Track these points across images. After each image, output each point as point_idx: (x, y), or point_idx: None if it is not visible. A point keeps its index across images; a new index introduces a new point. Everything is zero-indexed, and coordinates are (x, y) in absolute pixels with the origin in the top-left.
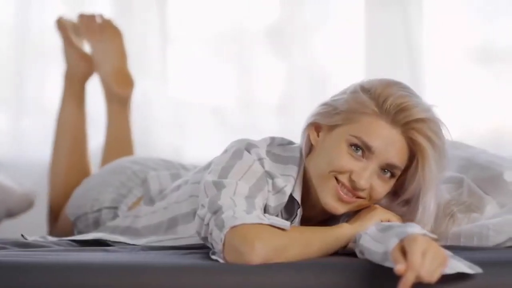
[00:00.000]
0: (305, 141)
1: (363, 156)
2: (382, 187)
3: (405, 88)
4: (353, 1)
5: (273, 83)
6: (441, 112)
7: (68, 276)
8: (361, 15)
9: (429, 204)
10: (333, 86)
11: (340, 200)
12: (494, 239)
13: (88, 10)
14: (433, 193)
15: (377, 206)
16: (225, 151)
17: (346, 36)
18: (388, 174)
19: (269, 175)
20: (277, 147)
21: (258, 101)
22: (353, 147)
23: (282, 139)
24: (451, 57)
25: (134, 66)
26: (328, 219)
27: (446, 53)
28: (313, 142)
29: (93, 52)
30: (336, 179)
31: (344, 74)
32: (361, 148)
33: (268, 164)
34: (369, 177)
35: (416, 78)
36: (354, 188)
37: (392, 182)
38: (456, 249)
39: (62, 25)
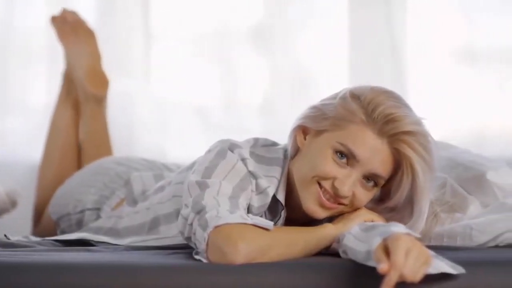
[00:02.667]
0: (292, 143)
1: (347, 163)
2: (364, 196)
3: (396, 98)
4: (336, 1)
5: (257, 83)
6: (424, 112)
7: (51, 275)
8: (345, 15)
9: (423, 214)
10: (316, 86)
11: (322, 205)
12: (477, 239)
13: (72, 7)
14: (426, 203)
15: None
16: (209, 151)
17: (329, 36)
18: (372, 183)
19: (253, 175)
20: (261, 148)
21: (242, 101)
22: (338, 154)
23: (266, 140)
24: (435, 57)
25: (117, 66)
26: (311, 220)
27: (429, 53)
28: (299, 145)
29: (67, 54)
30: (319, 184)
31: (328, 74)
32: (346, 156)
33: (252, 165)
34: (352, 185)
35: (400, 78)
36: (336, 195)
37: (375, 191)
38: (439, 249)
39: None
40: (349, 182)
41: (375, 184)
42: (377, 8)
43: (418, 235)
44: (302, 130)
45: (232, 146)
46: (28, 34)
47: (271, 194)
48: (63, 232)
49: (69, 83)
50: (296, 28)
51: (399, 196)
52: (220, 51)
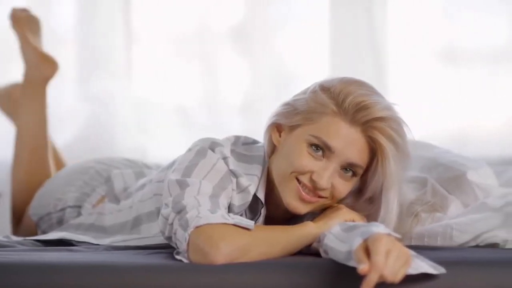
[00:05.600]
0: (267, 141)
1: (323, 156)
2: (343, 186)
3: (366, 87)
4: (317, 1)
5: (237, 83)
6: (405, 112)
7: (32, 275)
8: (326, 15)
9: (391, 203)
10: (297, 86)
11: (302, 200)
12: (458, 239)
13: (52, 10)
14: (395, 192)
15: (341, 206)
16: (189, 149)
17: (310, 36)
18: (350, 173)
19: (233, 173)
20: (242, 146)
21: (222, 100)
22: (313, 147)
23: (246, 138)
24: (416, 57)
25: (98, 66)
26: (292, 218)
27: (410, 53)
28: (275, 143)
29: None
30: (297, 179)
31: (309, 74)
32: (321, 148)
33: (232, 163)
34: (330, 177)
35: (381, 78)
36: (315, 188)
37: (355, 180)
38: (420, 249)
39: (17, 20)
40: (326, 174)
41: (354, 174)
42: (358, 7)
43: (399, 235)
44: (276, 127)
45: (213, 145)
46: (6, 33)
47: (252, 192)
48: (43, 233)
49: (31, 85)
50: (277, 28)
51: (375, 184)
52: (201, 51)
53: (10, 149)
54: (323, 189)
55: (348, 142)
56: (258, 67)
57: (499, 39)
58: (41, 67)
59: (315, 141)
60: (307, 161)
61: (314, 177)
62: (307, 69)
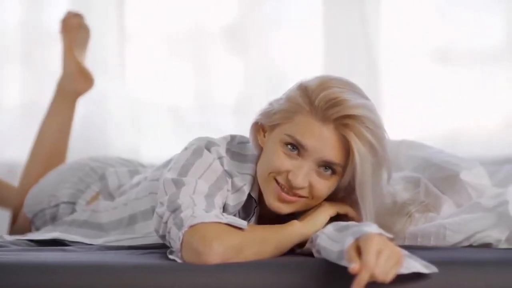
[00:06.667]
0: (254, 142)
1: (298, 154)
2: (322, 185)
3: (343, 84)
4: (310, 1)
5: (231, 82)
6: (399, 112)
7: (28, 275)
8: (319, 15)
9: (366, 202)
10: (290, 86)
11: (282, 200)
12: (451, 239)
13: (47, 9)
14: (368, 192)
15: (323, 202)
16: (185, 148)
17: (304, 35)
18: (329, 172)
19: (229, 174)
20: (237, 145)
21: (216, 100)
22: (289, 146)
23: (242, 137)
24: (409, 57)
25: (91, 66)
26: (280, 216)
27: (404, 53)
28: (260, 143)
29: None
30: (276, 180)
31: (302, 74)
32: (296, 147)
33: (227, 163)
34: (305, 175)
35: (375, 78)
36: (291, 187)
37: (335, 178)
38: (413, 249)
39: (67, 26)
40: (301, 173)
41: (333, 172)
42: (351, 7)
43: (391, 235)
44: (261, 128)
45: (209, 144)
46: (2, 35)
47: (246, 192)
48: (37, 229)
49: (63, 94)
50: (270, 28)
51: (350, 183)
52: (194, 51)
53: (5, 151)
54: (300, 188)
55: (320, 140)
56: (252, 67)
57: (493, 39)
58: (76, 81)
59: (290, 140)
60: (282, 160)
61: (290, 176)
62: (301, 69)
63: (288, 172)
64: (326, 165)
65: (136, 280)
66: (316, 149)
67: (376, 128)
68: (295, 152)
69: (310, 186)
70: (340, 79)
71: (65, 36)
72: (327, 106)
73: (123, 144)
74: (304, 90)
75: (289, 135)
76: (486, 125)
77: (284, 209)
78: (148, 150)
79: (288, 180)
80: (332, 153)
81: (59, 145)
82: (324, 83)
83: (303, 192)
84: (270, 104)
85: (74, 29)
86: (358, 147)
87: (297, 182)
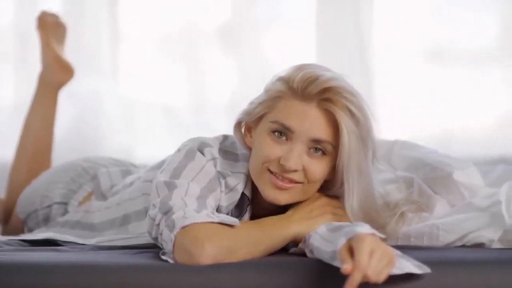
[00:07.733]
0: (240, 142)
1: (287, 139)
2: (315, 166)
3: (317, 66)
4: (304, 1)
5: (224, 82)
6: (392, 111)
7: (19, 275)
8: (312, 15)
9: (351, 177)
10: None
11: (278, 188)
12: (444, 239)
13: (40, 8)
14: (355, 167)
15: (318, 194)
16: (178, 150)
17: (297, 36)
18: (320, 152)
19: (221, 175)
20: (230, 145)
21: (209, 100)
22: (276, 133)
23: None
24: (403, 56)
25: (84, 65)
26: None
27: (397, 53)
28: (248, 144)
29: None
30: (269, 170)
31: None
32: (283, 132)
33: (220, 163)
34: (297, 158)
35: (367, 78)
36: (284, 172)
37: (327, 159)
38: (406, 249)
39: (43, 23)
40: (292, 155)
41: (324, 152)
42: (344, 7)
43: (383, 235)
44: (246, 130)
45: (202, 146)
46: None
47: (240, 190)
48: (30, 230)
49: (44, 87)
50: (264, 28)
51: (341, 160)
52: (188, 51)
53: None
54: (293, 171)
55: (304, 118)
56: (245, 67)
57: (487, 39)
58: (56, 72)
59: (275, 126)
60: (272, 148)
61: (282, 161)
62: None
63: (279, 158)
64: (316, 146)
65: (129, 280)
66: (302, 129)
67: (353, 97)
68: (283, 138)
69: (304, 170)
70: (315, 64)
71: (42, 32)
72: (305, 84)
73: (117, 144)
74: (281, 78)
75: (274, 121)
76: (480, 125)
77: (282, 198)
78: (142, 150)
79: (281, 166)
80: (319, 130)
81: (44, 138)
82: (300, 67)
83: (298, 177)
84: (250, 103)
85: (50, 26)
86: (341, 116)
87: (290, 165)
